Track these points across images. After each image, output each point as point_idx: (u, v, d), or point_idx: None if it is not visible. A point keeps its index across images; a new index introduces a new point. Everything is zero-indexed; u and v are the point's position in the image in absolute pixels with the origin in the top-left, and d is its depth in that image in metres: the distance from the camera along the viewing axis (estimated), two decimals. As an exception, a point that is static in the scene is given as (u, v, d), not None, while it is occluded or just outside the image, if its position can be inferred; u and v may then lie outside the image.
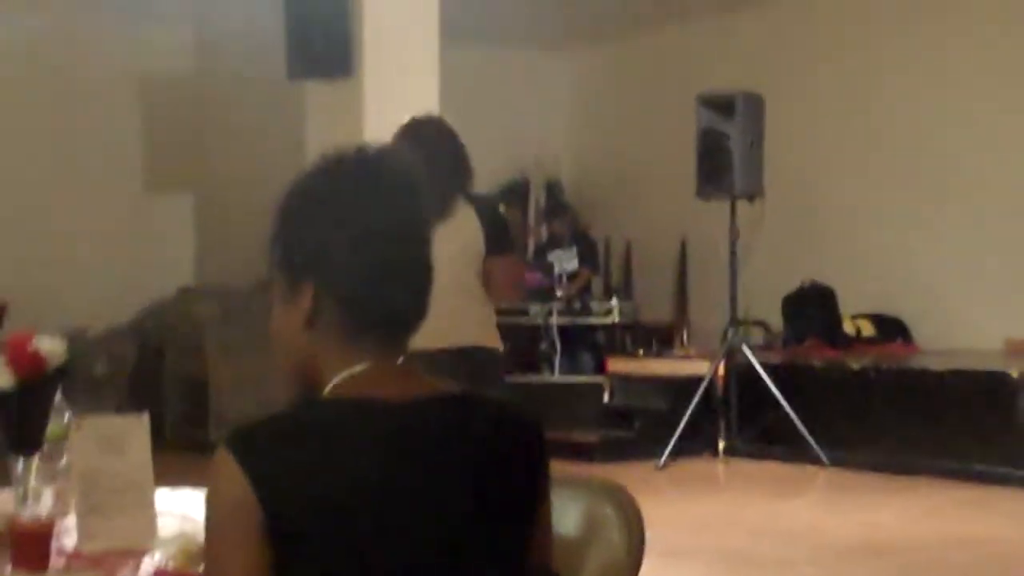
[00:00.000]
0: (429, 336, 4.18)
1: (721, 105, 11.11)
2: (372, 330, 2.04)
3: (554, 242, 13.52)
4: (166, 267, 13.00)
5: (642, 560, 2.34)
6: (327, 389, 2.02)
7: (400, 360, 2.07)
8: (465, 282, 5.64)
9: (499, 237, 5.82)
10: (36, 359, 2.84)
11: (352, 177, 2.07)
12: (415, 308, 2.10)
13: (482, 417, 2.06)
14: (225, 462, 1.88)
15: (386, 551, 1.91)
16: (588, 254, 13.52)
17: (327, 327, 2.03)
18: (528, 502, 2.05)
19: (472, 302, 5.70)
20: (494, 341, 5.77)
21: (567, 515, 2.32)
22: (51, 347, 2.89)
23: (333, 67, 10.01)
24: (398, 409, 1.99)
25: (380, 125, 9.96)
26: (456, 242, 5.53)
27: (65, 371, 2.89)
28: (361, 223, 2.03)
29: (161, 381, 11.91)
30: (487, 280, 5.74)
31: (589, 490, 2.35)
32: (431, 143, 5.74)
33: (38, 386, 2.86)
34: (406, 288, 2.08)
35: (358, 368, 2.02)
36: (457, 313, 5.52)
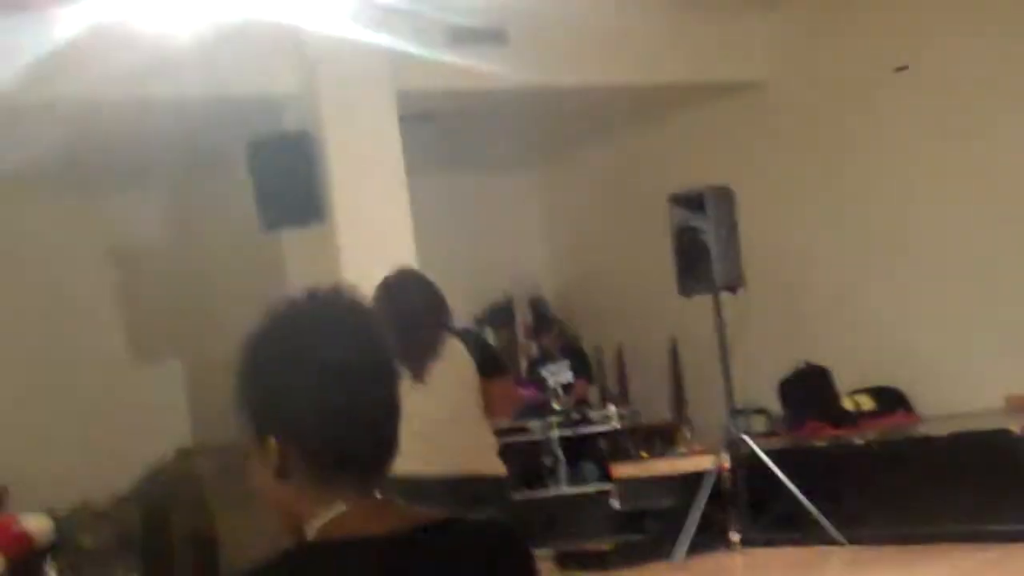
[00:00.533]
0: (438, 464, 4.74)
1: (692, 202, 11.22)
2: (342, 474, 2.05)
3: (545, 357, 13.57)
4: (162, 431, 13.00)
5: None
6: (312, 534, 2.04)
7: (377, 494, 2.08)
8: (466, 411, 6.02)
9: (488, 361, 6.22)
10: (23, 539, 2.87)
11: (302, 323, 2.07)
12: (381, 448, 2.09)
13: (468, 541, 2.07)
14: None
15: None
16: (580, 365, 13.58)
17: (299, 476, 2.04)
18: None
19: (475, 429, 6.06)
20: (498, 467, 6.10)
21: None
22: (37, 525, 2.91)
23: (305, 214, 10.12)
24: (384, 544, 2.00)
25: (357, 264, 10.06)
26: (451, 375, 5.99)
27: (56, 546, 2.92)
28: (315, 368, 2.03)
29: (170, 541, 11.88)
30: (485, 403, 6.11)
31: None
32: (409, 293, 6.16)
33: (29, 564, 2.89)
34: (370, 429, 2.07)
35: (337, 511, 2.03)
36: (461, 442, 5.95)
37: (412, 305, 6.09)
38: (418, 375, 5.96)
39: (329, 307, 2.11)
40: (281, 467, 2.05)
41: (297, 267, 10.54)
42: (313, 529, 2.04)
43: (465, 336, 6.33)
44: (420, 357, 6.01)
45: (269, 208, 10.21)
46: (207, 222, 13.02)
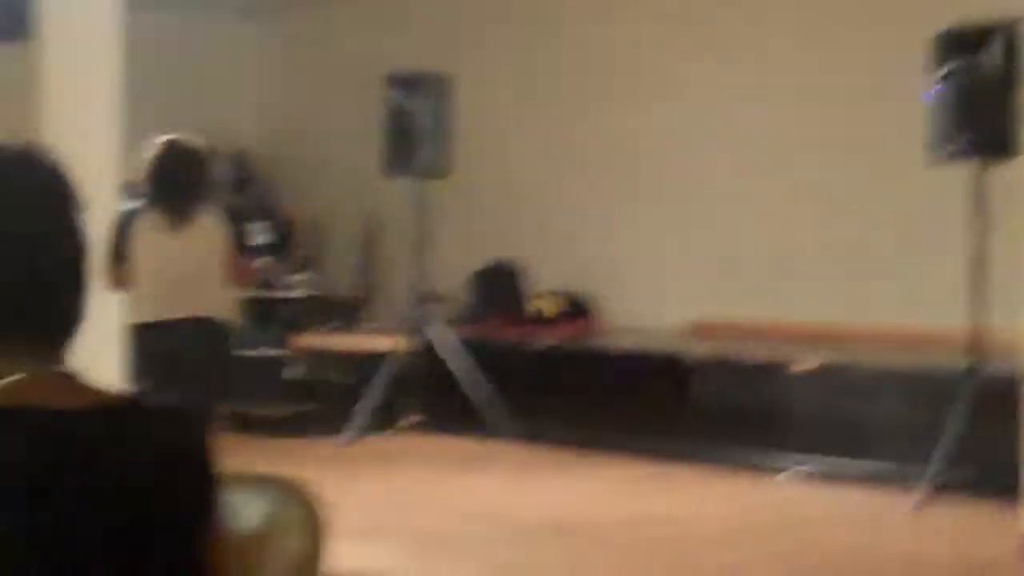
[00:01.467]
0: (183, 309, 6.77)
1: (409, 84, 11.11)
2: (20, 342, 1.93)
3: (241, 214, 13.28)
4: None
5: (323, 555, 2.27)
6: None
7: (60, 368, 1.96)
8: (210, 269, 7.15)
9: (238, 236, 7.54)
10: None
11: None
12: (62, 314, 1.98)
13: (145, 424, 1.96)
14: None
15: (40, 558, 1.80)
16: (281, 227, 13.36)
17: None
18: (195, 510, 1.96)
19: (215, 284, 7.21)
20: (231, 314, 7.60)
21: (247, 512, 2.24)
22: None
23: (11, 30, 9.65)
24: (56, 417, 1.89)
25: (60, 88, 9.67)
26: (201, 238, 7.14)
27: None
28: None
29: None
30: (227, 270, 7.27)
31: (269, 487, 2.27)
32: (185, 160, 7.40)
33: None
34: (49, 294, 1.96)
35: (11, 379, 1.90)
36: (203, 292, 7.12)
37: (184, 173, 7.29)
38: (175, 227, 7.08)
39: (20, 168, 1.98)
40: None
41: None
42: None
43: (223, 211, 7.47)
44: (179, 218, 7.11)
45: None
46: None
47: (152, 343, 6.86)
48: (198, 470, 1.98)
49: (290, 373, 12.00)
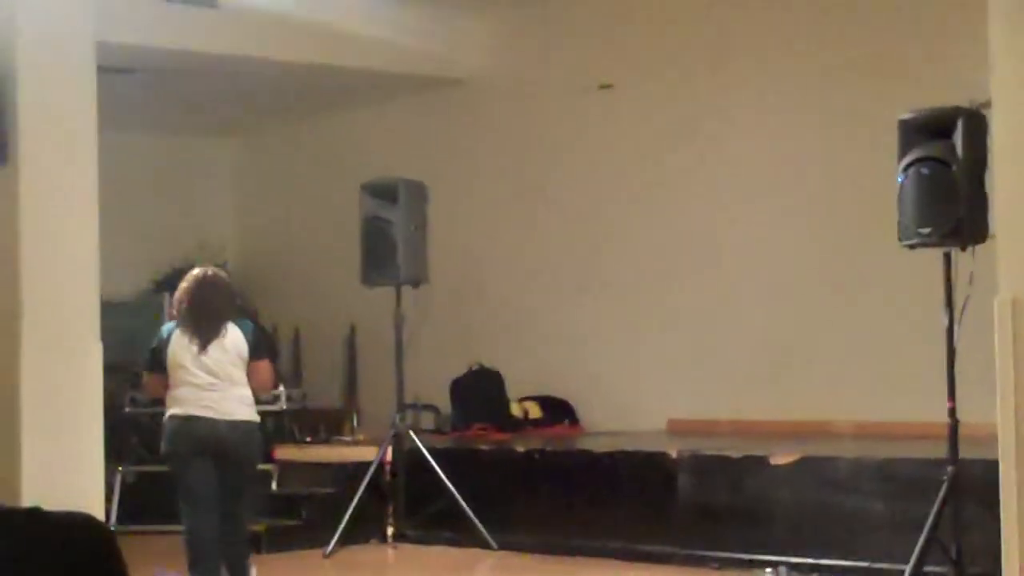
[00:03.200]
0: (211, 411, 8.20)
1: (384, 192, 11.17)
2: None
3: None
4: None
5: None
6: None
7: None
8: (234, 377, 8.44)
9: (256, 347, 8.63)
10: None
11: None
12: None
13: (46, 529, 1.98)
14: None
15: None
16: (260, 340, 13.34)
17: None
18: None
19: (239, 390, 8.44)
20: (252, 416, 8.53)
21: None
22: None
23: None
24: None
25: (36, 212, 9.72)
26: (228, 351, 8.45)
27: None
28: None
29: None
30: (249, 376, 8.52)
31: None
32: (212, 290, 8.61)
33: None
34: None
35: None
36: (228, 396, 8.38)
37: (212, 302, 8.55)
38: (203, 349, 8.40)
39: None
40: None
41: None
42: None
43: (244, 326, 8.65)
44: (207, 338, 8.42)
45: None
46: None
47: (189, 432, 8.36)
48: (113, 563, 1.99)
49: (273, 487, 11.97)
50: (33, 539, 1.95)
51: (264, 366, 8.73)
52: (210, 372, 8.40)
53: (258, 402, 8.55)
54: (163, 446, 8.54)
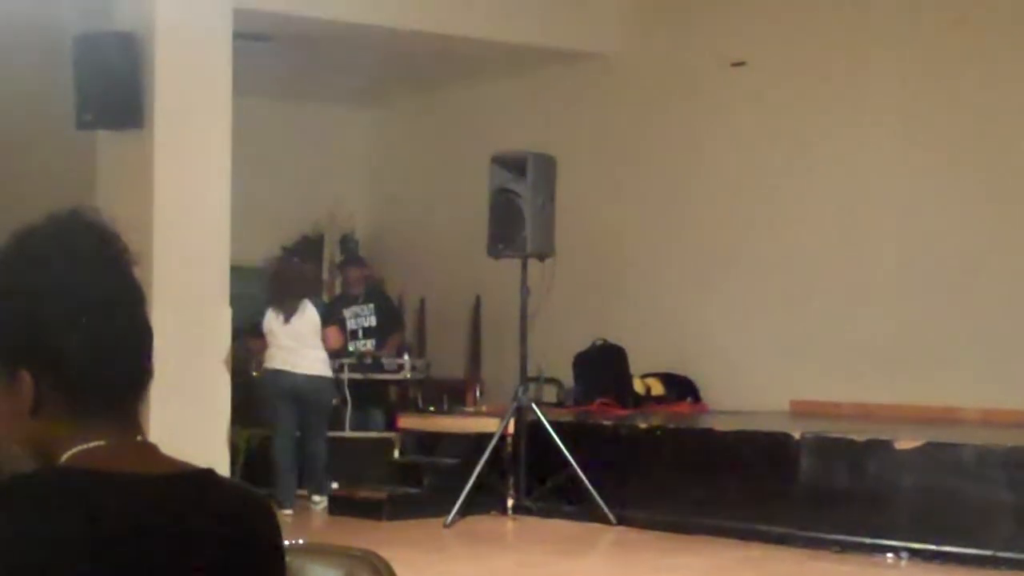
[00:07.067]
0: (292, 366, 11.23)
1: (514, 165, 11.19)
2: (102, 409, 1.95)
3: (348, 296, 13.43)
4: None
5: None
6: (63, 459, 1.94)
7: (139, 438, 1.99)
8: (309, 340, 11.26)
9: (325, 316, 11.38)
10: None
11: (50, 248, 1.97)
12: (136, 376, 2.00)
13: (221, 495, 2.00)
14: None
15: None
16: (386, 311, 13.47)
17: (54, 412, 1.94)
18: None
19: (313, 351, 11.30)
20: (327, 372, 11.44)
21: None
22: None
23: (123, 118, 9.87)
24: (142, 482, 1.92)
25: (169, 175, 9.88)
26: (305, 320, 11.26)
27: None
28: (72, 296, 1.94)
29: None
30: (323, 341, 11.36)
31: (346, 558, 2.32)
32: (295, 270, 12.29)
33: None
34: (127, 356, 1.98)
35: (94, 443, 1.94)
36: (304, 356, 11.23)
37: (292, 279, 11.76)
38: (288, 319, 11.25)
39: (76, 232, 2.00)
40: (35, 403, 1.93)
41: (108, 170, 10.29)
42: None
43: (317, 302, 11.58)
44: (290, 310, 11.28)
45: (87, 107, 9.95)
46: (20, 110, 12.62)
47: (277, 381, 11.28)
48: (271, 537, 2.02)
49: (396, 455, 12.07)
50: (207, 503, 1.97)
51: (331, 332, 11.40)
52: (291, 337, 11.20)
53: (369, 366, 12.24)
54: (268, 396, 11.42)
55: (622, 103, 13.38)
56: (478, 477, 10.61)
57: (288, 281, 11.67)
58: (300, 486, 11.40)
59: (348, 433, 12.15)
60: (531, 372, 11.54)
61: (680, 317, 12.77)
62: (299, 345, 11.18)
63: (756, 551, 9.49)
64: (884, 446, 9.53)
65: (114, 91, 9.80)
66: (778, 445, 10.05)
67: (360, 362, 12.49)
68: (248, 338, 11.44)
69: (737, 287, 12.45)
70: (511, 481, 10.95)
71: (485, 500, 10.83)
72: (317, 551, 2.34)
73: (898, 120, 11.62)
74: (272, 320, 11.26)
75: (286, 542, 2.04)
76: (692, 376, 12.77)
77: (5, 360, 1.95)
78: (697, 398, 12.69)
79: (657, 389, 12.66)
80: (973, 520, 9.00)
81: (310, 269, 12.77)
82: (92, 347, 1.94)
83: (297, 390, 11.16)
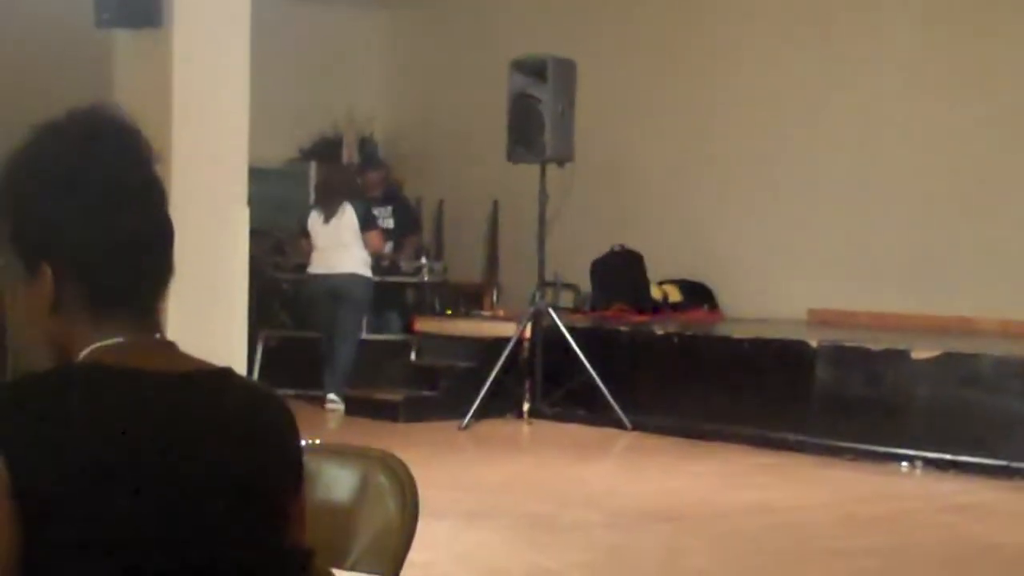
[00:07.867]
0: (332, 267, 11.70)
1: (533, 69, 11.13)
2: (121, 306, 1.95)
3: (367, 199, 13.38)
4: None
5: (415, 527, 2.32)
6: (82, 356, 1.94)
7: (158, 336, 1.99)
8: (350, 242, 11.66)
9: (363, 221, 11.75)
10: None
11: (73, 144, 1.95)
12: (160, 271, 1.99)
13: (237, 394, 2.00)
14: None
15: (139, 520, 1.85)
16: (404, 213, 13.45)
17: (74, 308, 1.93)
18: (285, 480, 2.00)
19: (353, 252, 11.68)
20: (367, 272, 11.76)
21: (340, 484, 2.30)
22: None
23: (142, 16, 9.81)
24: (161, 379, 1.92)
25: (188, 76, 9.83)
26: (344, 223, 11.67)
27: None
28: (94, 191, 1.93)
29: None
30: (364, 243, 11.71)
31: (362, 459, 2.32)
32: (340, 174, 13.19)
33: None
34: (148, 253, 1.97)
35: (112, 340, 1.93)
36: (345, 257, 11.63)
37: (337, 183, 12.39)
38: (327, 219, 11.72)
39: (97, 126, 1.98)
40: (56, 298, 1.93)
41: (126, 69, 10.24)
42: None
43: (357, 205, 11.81)
44: (331, 211, 11.74)
45: (106, 6, 9.88)
46: (44, 14, 12.55)
47: (316, 284, 11.79)
48: (288, 437, 2.03)
49: (412, 357, 12.11)
50: (224, 401, 1.97)
51: (371, 236, 11.80)
52: (329, 237, 11.68)
53: (386, 269, 12.27)
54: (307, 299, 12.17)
55: (645, 6, 13.28)
56: (494, 381, 10.64)
57: (333, 185, 12.34)
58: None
59: (365, 335, 12.17)
60: (548, 277, 11.54)
61: (698, 224, 12.74)
62: (335, 245, 11.63)
63: (770, 458, 9.53)
64: (901, 356, 9.54)
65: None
66: (794, 353, 10.07)
67: (377, 264, 12.48)
68: (298, 238, 12.04)
69: (756, 196, 12.41)
70: (527, 385, 10.99)
71: (501, 404, 10.88)
72: (333, 451, 2.33)
73: (920, 34, 11.53)
74: (314, 221, 11.78)
75: (302, 442, 2.04)
76: (710, 283, 12.76)
77: (27, 254, 1.94)
78: (714, 305, 12.70)
79: (674, 295, 12.66)
80: (988, 430, 9.02)
81: (354, 175, 13.22)
82: (112, 242, 1.93)
83: (335, 290, 11.61)
